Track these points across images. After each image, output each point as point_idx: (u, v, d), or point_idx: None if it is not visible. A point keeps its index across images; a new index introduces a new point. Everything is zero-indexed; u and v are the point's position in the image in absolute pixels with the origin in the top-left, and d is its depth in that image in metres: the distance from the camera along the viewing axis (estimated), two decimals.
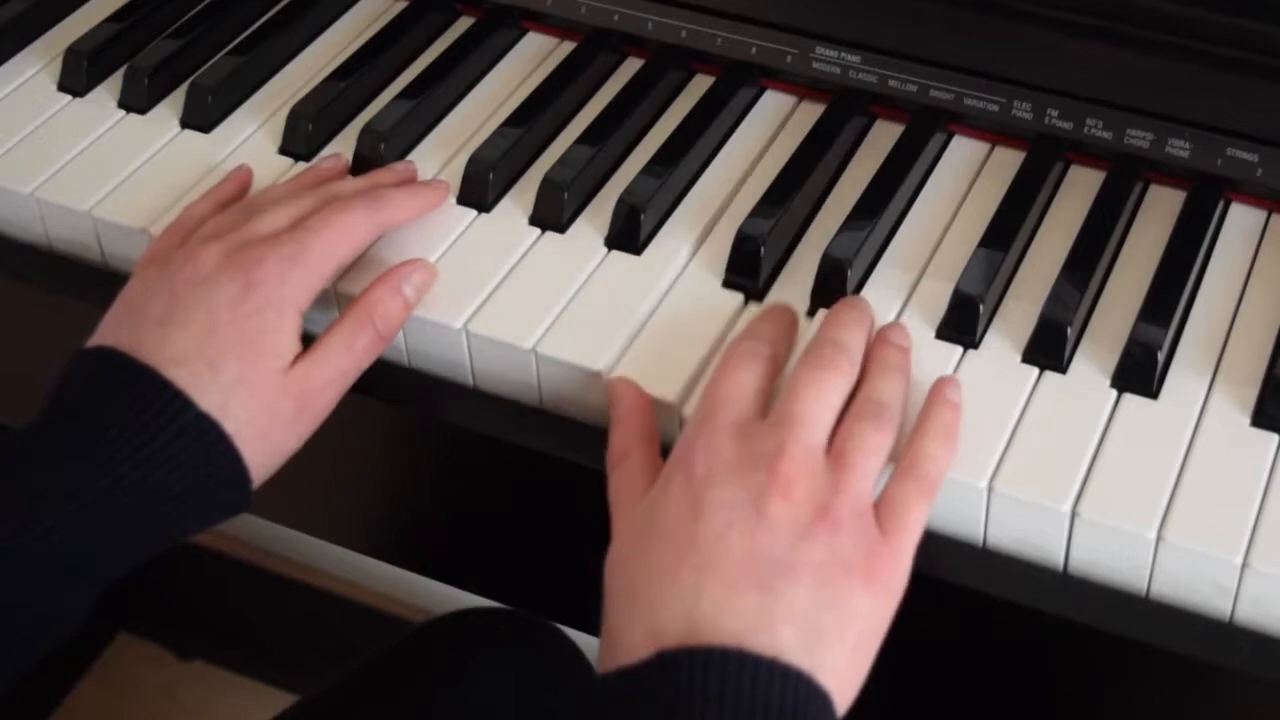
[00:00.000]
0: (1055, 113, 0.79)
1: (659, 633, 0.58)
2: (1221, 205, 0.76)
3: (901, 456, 0.64)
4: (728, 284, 0.74)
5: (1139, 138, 0.77)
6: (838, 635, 0.58)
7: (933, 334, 0.71)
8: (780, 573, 0.58)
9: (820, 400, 0.63)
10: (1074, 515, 0.64)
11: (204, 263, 0.68)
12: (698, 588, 0.58)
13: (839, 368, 0.64)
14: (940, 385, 0.67)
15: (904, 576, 0.61)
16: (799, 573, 0.58)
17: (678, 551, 0.59)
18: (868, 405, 0.64)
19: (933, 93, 0.81)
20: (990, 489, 0.65)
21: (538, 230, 0.77)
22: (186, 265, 0.68)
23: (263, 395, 0.66)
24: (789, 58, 0.84)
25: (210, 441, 0.65)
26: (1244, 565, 0.62)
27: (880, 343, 0.68)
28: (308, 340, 0.69)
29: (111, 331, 0.68)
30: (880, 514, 0.61)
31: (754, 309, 0.73)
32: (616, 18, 0.87)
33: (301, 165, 0.82)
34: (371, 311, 0.70)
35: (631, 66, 0.87)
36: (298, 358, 0.68)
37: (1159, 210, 0.77)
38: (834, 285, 0.72)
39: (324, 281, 0.70)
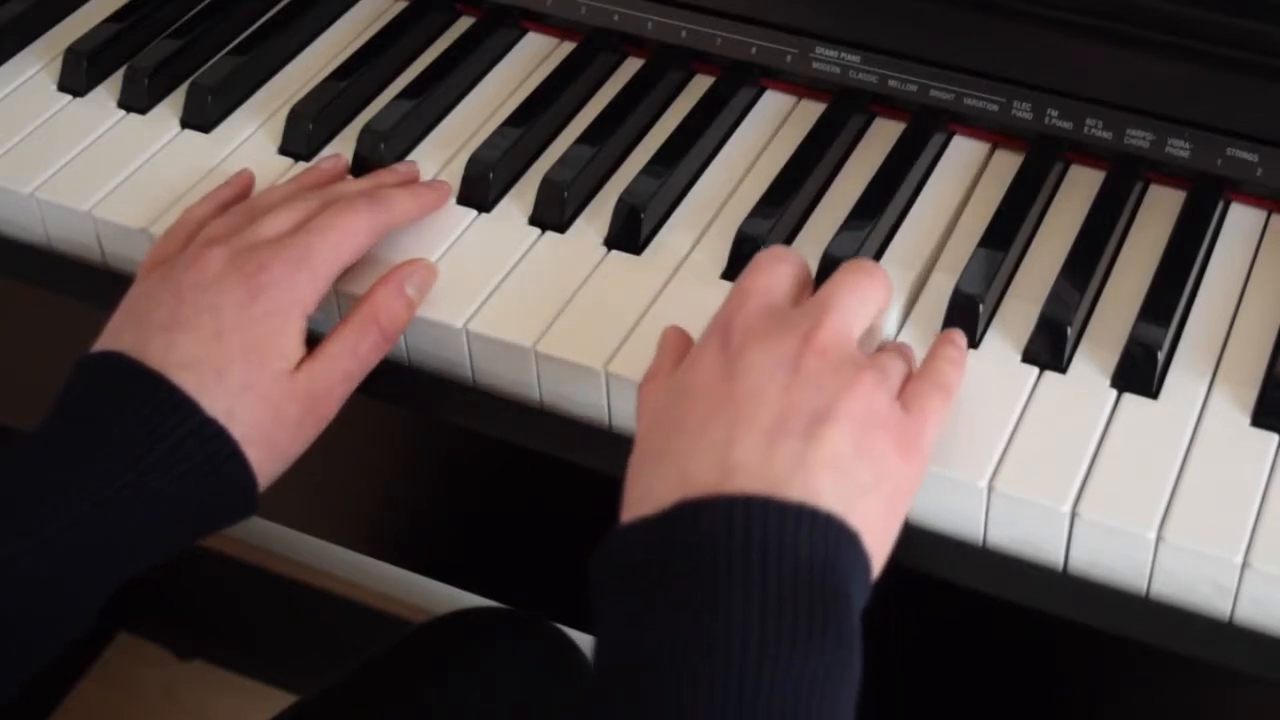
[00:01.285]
0: (1055, 113, 0.79)
1: (688, 484, 0.57)
2: (1221, 205, 0.76)
3: (918, 369, 0.65)
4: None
5: (1139, 138, 0.77)
6: (873, 485, 0.58)
7: (933, 334, 0.71)
8: (821, 421, 0.58)
9: (855, 297, 0.63)
10: (1074, 515, 0.64)
11: (209, 267, 0.68)
12: (732, 437, 0.58)
13: (879, 280, 0.65)
14: (945, 333, 0.69)
15: (928, 455, 0.62)
16: (840, 421, 0.58)
17: (711, 408, 0.59)
18: (901, 349, 0.66)
19: (933, 93, 0.81)
20: (990, 489, 0.65)
21: (538, 230, 0.77)
22: (191, 270, 0.68)
23: (269, 399, 0.66)
24: (789, 58, 0.84)
25: (217, 446, 0.65)
26: (1244, 565, 0.62)
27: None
28: (311, 341, 0.69)
29: (117, 336, 0.68)
30: (902, 401, 0.62)
31: None
32: (616, 18, 0.87)
33: (301, 165, 0.82)
34: (376, 313, 0.70)
35: (631, 66, 0.87)
36: (303, 360, 0.68)
37: (1159, 210, 0.77)
38: None
39: (328, 284, 0.70)
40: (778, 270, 0.65)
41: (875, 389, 0.60)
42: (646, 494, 0.58)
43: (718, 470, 0.57)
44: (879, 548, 0.58)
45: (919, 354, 0.70)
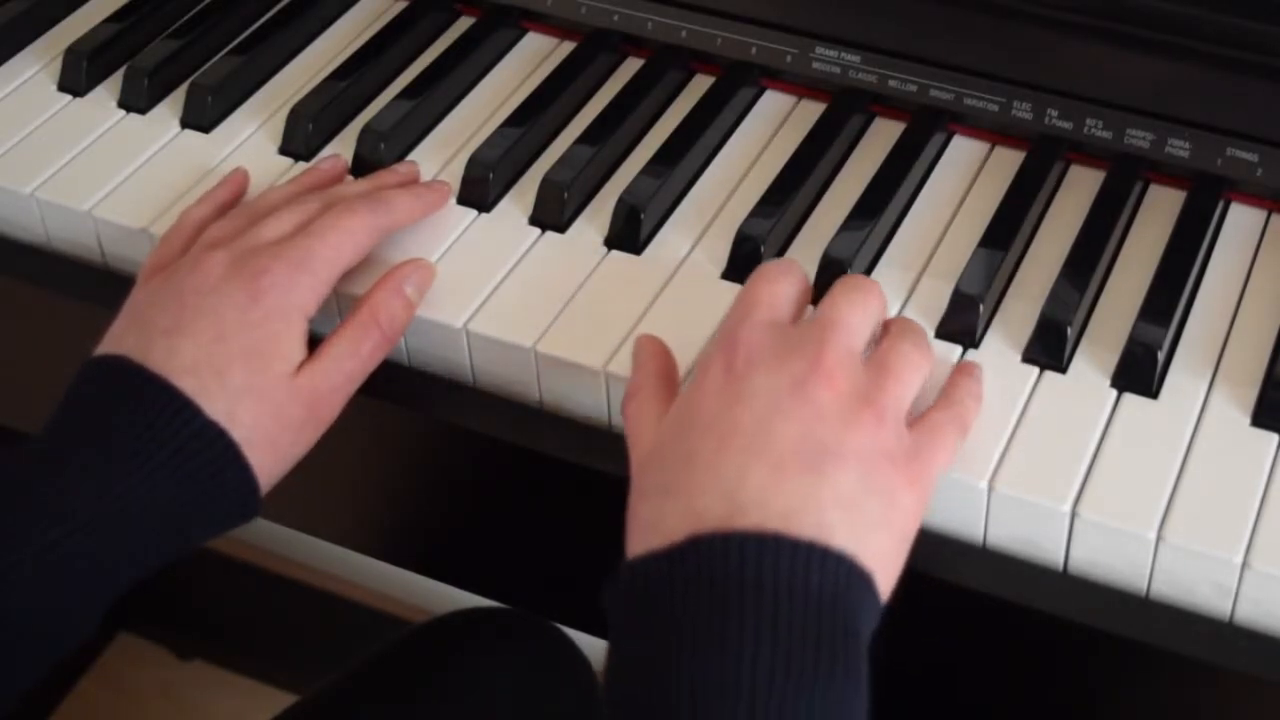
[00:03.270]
0: (1055, 113, 0.79)
1: (698, 517, 0.57)
2: (1221, 205, 0.76)
3: (939, 398, 0.64)
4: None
5: (1139, 138, 0.77)
6: (883, 520, 0.58)
7: (933, 333, 0.71)
8: (829, 457, 0.58)
9: (858, 312, 0.63)
10: (1074, 515, 0.64)
11: (210, 271, 0.68)
12: (742, 471, 0.57)
13: (876, 294, 0.65)
14: (964, 365, 0.68)
15: (933, 487, 0.61)
16: (847, 459, 0.58)
17: (719, 438, 0.59)
18: (908, 331, 0.65)
19: (933, 93, 0.81)
20: (990, 489, 0.65)
21: (538, 230, 0.77)
22: (193, 273, 0.68)
23: (270, 402, 0.66)
24: (789, 58, 0.84)
25: (219, 450, 0.65)
26: (1244, 565, 0.62)
27: (897, 328, 0.68)
28: (312, 342, 0.69)
29: (119, 341, 0.68)
30: (914, 429, 0.62)
31: None
32: (616, 18, 0.87)
33: (301, 165, 0.82)
34: (376, 314, 0.70)
35: (631, 66, 0.87)
36: (304, 363, 0.68)
37: (1159, 210, 0.77)
38: None
39: (330, 286, 0.70)
40: (782, 282, 0.65)
41: (883, 421, 0.59)
42: (656, 524, 0.58)
43: (728, 505, 0.57)
44: (887, 581, 0.58)
45: None
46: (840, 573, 0.56)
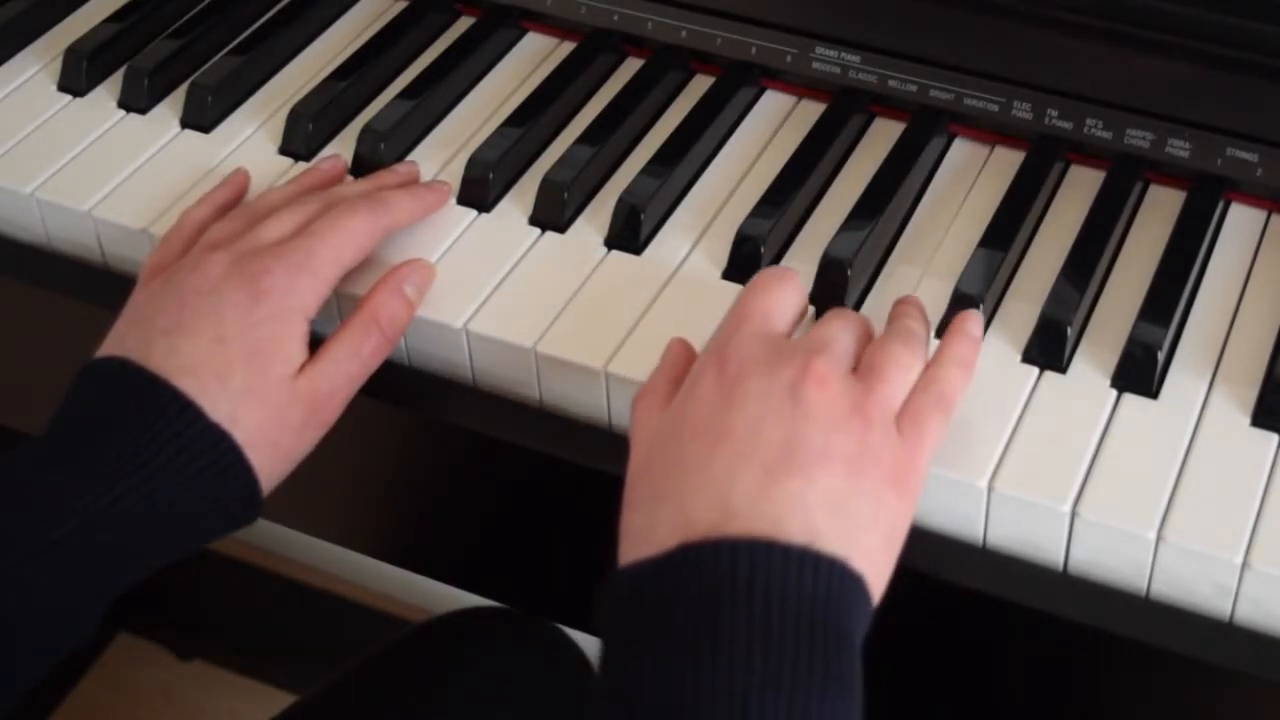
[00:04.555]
0: (1055, 113, 0.79)
1: (689, 524, 0.57)
2: (1221, 205, 0.76)
3: (919, 378, 0.64)
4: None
5: (1139, 138, 0.77)
6: (871, 523, 0.58)
7: (933, 334, 0.71)
8: (817, 460, 0.58)
9: (847, 332, 0.64)
10: (1074, 515, 0.64)
11: (210, 272, 0.68)
12: (732, 475, 0.57)
13: (863, 320, 0.65)
14: (961, 318, 0.68)
15: (921, 484, 0.61)
16: (834, 461, 0.58)
17: (710, 443, 0.59)
18: (899, 331, 0.65)
19: (933, 93, 0.81)
20: (990, 489, 0.65)
21: (538, 230, 0.77)
22: (193, 275, 0.68)
23: (271, 403, 0.66)
24: (789, 58, 0.84)
25: (220, 452, 0.65)
26: (1244, 565, 0.62)
27: (900, 303, 0.69)
28: (313, 344, 0.69)
29: (120, 342, 0.68)
30: (900, 423, 0.62)
31: None
32: (616, 18, 0.87)
33: (301, 165, 0.82)
34: (376, 315, 0.70)
35: (631, 66, 0.87)
36: (305, 364, 0.68)
37: (1159, 210, 0.77)
38: (834, 284, 0.72)
39: (330, 287, 0.70)
40: (776, 293, 0.65)
41: (870, 424, 0.60)
42: (647, 532, 0.58)
43: (718, 511, 0.57)
44: (878, 582, 0.58)
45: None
46: (832, 577, 0.56)
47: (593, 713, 0.57)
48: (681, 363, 0.66)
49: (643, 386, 0.65)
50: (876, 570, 0.58)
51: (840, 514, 0.57)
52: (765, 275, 0.66)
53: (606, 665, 0.58)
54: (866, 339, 0.65)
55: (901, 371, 0.63)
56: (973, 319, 0.68)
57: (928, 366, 0.65)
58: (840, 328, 0.64)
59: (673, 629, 0.55)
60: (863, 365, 0.63)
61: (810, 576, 0.55)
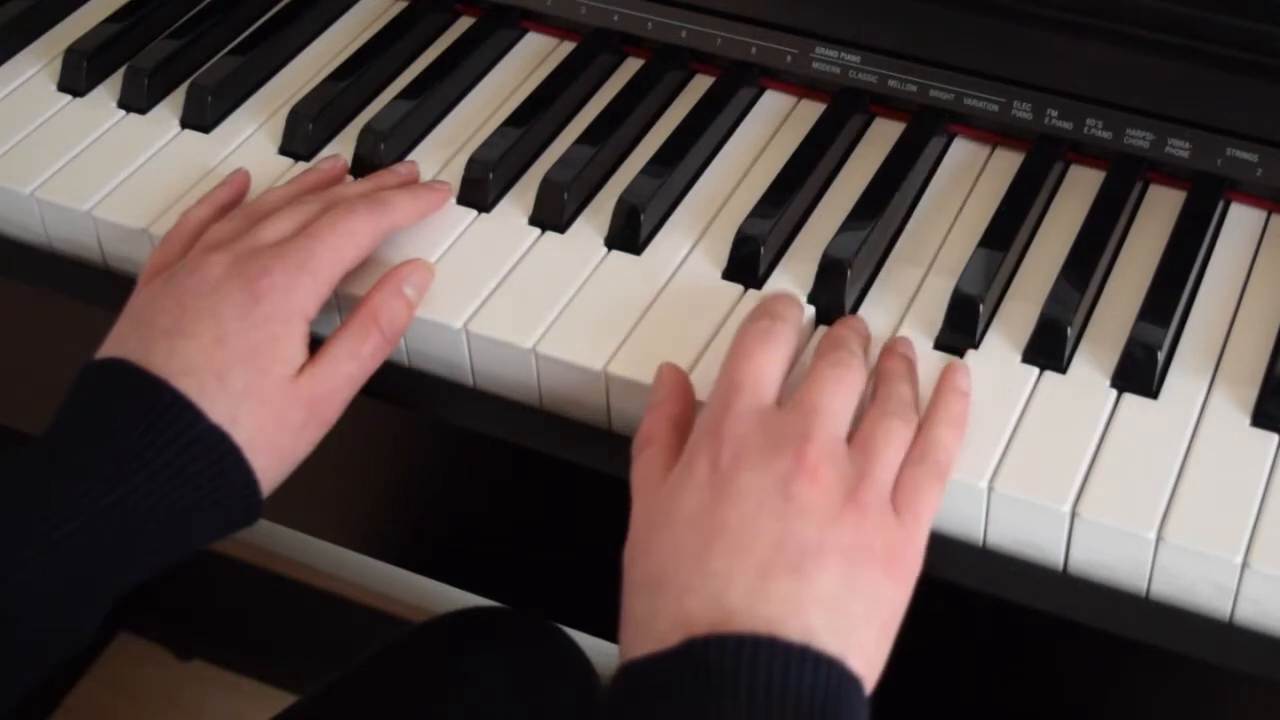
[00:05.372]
0: (1055, 113, 0.79)
1: (689, 620, 0.57)
2: (1221, 205, 0.76)
3: (913, 445, 0.64)
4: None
5: (1139, 138, 0.77)
6: (865, 619, 0.58)
7: (933, 334, 0.71)
8: (810, 557, 0.58)
9: (841, 394, 0.63)
10: (1074, 515, 0.64)
11: (210, 273, 0.68)
12: (729, 573, 0.58)
13: (855, 369, 0.65)
14: (949, 373, 0.67)
15: (920, 560, 0.61)
16: (828, 557, 0.58)
17: (705, 536, 0.59)
18: (890, 401, 0.65)
19: (933, 93, 0.81)
20: (990, 489, 0.65)
21: (538, 230, 0.77)
22: (193, 275, 0.68)
23: (271, 405, 0.66)
24: (789, 58, 0.84)
25: (220, 453, 0.65)
26: (1244, 565, 0.62)
27: (888, 354, 0.68)
28: (313, 343, 0.69)
29: (120, 343, 0.68)
30: (895, 499, 0.61)
31: (752, 298, 0.73)
32: (616, 18, 0.87)
33: (301, 165, 0.82)
34: (376, 315, 0.70)
35: (631, 66, 0.87)
36: (304, 365, 0.68)
37: (1159, 210, 0.77)
38: (834, 285, 0.72)
39: (330, 288, 0.70)
40: (761, 356, 0.64)
41: (865, 514, 0.60)
42: (648, 624, 0.59)
43: (717, 609, 0.57)
44: (873, 673, 0.59)
45: (918, 353, 0.70)
46: (830, 678, 0.56)
47: None
48: (677, 398, 0.66)
49: (640, 431, 0.65)
50: (871, 661, 0.58)
51: (835, 611, 0.57)
52: (750, 338, 0.66)
53: None
54: (859, 388, 0.65)
55: (895, 449, 0.63)
56: (961, 372, 0.68)
57: (920, 429, 0.64)
58: (832, 390, 0.63)
59: None
60: (855, 441, 0.62)
61: (810, 678, 0.56)
